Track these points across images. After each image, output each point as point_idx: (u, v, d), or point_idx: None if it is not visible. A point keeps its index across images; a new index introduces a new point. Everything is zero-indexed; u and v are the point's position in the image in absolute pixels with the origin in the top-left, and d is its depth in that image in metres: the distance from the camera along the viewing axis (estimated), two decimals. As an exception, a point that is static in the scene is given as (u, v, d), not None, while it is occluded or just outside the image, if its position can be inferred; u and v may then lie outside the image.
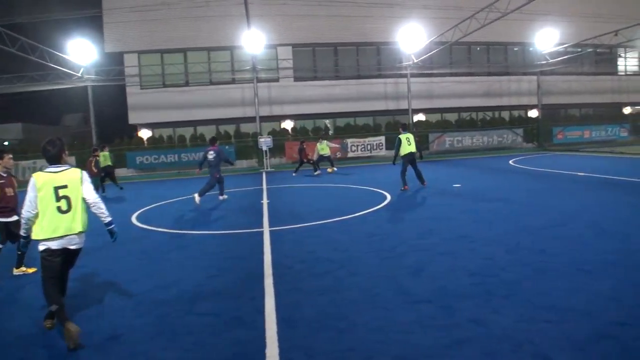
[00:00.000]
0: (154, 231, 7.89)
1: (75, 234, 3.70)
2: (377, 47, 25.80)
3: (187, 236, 7.37)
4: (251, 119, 23.39)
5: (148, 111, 23.28)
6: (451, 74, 26.67)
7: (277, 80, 24.55)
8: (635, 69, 31.50)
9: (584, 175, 12.77)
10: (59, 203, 3.63)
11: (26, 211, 3.61)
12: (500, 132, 26.33)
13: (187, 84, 23.91)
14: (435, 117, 27.06)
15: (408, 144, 11.47)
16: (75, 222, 3.69)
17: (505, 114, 28.49)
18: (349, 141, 23.25)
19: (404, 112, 25.42)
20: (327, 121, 25.71)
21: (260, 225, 7.78)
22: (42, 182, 3.60)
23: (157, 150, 22.26)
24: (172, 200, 12.09)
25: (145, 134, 23.74)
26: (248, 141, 23.22)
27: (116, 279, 5.19)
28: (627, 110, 31.64)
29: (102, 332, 3.69)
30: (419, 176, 11.85)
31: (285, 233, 7.11)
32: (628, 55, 31.44)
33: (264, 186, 14.24)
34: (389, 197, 10.27)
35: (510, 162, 18.54)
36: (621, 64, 31.69)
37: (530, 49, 27.01)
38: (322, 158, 17.53)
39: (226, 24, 22.53)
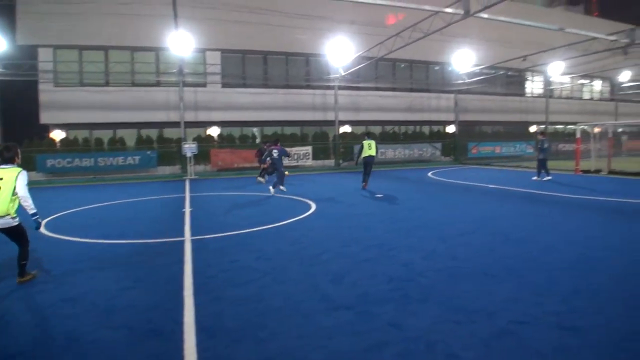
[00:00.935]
0: (64, 240, 7.36)
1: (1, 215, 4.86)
2: (307, 58, 26.13)
3: (101, 246, 6.95)
4: (175, 124, 22.61)
5: (62, 111, 21.61)
6: (376, 88, 27.66)
7: (204, 85, 24.00)
8: (540, 91, 34.58)
9: (493, 187, 13.80)
10: None
11: None
12: (420, 145, 27.70)
13: (107, 84, 22.59)
14: (360, 129, 27.81)
15: (369, 149, 14.07)
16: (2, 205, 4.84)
17: (426, 129, 30.01)
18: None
19: (331, 123, 25.91)
20: (254, 129, 25.50)
21: (182, 234, 7.54)
22: None
23: (71, 153, 20.76)
24: (86, 207, 11.34)
25: (58, 135, 22.06)
26: (171, 147, 22.40)
27: (19, 291, 4.79)
28: (532, 128, 34.65)
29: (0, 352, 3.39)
30: (365, 178, 14.25)
31: (207, 242, 6.96)
32: (534, 78, 34.52)
33: (187, 194, 13.82)
34: (314, 206, 10.39)
35: (429, 174, 19.55)
36: (528, 86, 34.72)
37: (450, 68, 28.71)
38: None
39: (153, 24, 21.68)
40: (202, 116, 23.87)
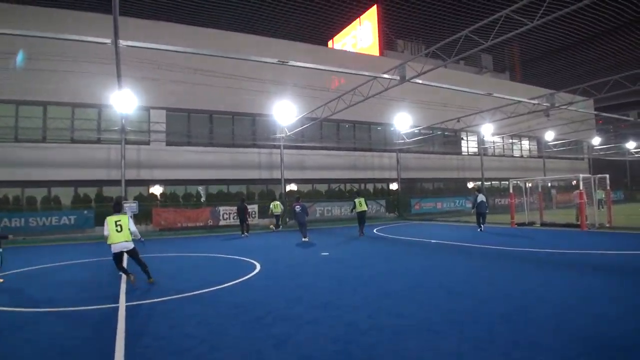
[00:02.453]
0: (-18, 310, 6.73)
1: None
2: (253, 117, 26.53)
3: (25, 315, 6.40)
4: (116, 182, 21.86)
5: (-9, 168, 20.44)
6: (321, 147, 28.34)
7: (147, 143, 23.63)
8: (475, 150, 36.73)
9: (435, 242, 14.18)
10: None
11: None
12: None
13: (44, 139, 21.71)
14: (306, 187, 28.11)
15: (360, 205, 17.55)
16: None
17: (370, 186, 30.78)
18: (221, 209, 22.90)
19: (277, 181, 26.03)
20: (199, 188, 25.10)
21: (116, 299, 7.11)
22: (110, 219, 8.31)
23: (-1, 212, 19.42)
24: (12, 271, 10.49)
25: (-16, 194, 20.67)
26: (111, 206, 21.50)
27: None
28: (470, 184, 36.44)
29: None
30: (361, 228, 17.73)
31: (144, 308, 6.59)
32: (469, 138, 36.74)
33: (125, 256, 13.13)
34: (258, 266, 10.19)
35: (375, 230, 19.84)
36: (464, 145, 36.84)
37: (391, 129, 30.09)
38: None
39: (95, 81, 21.40)
40: (145, 174, 23.31)
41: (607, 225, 17.25)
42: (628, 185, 49.41)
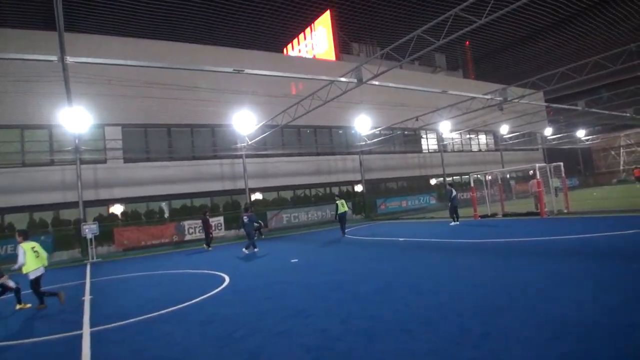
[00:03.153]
0: None
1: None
2: (212, 128, 26.15)
3: (-20, 352, 6.03)
4: (73, 204, 21.00)
5: (-64, 197, 19.28)
6: (284, 154, 28.26)
7: (104, 161, 22.84)
8: (435, 147, 37.52)
9: (403, 240, 14.35)
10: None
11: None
12: (332, 206, 28.19)
13: (-8, 165, 20.65)
14: (272, 195, 27.91)
15: (342, 206, 18.48)
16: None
17: (335, 189, 30.87)
18: (186, 223, 22.43)
19: (241, 191, 25.72)
20: (162, 204, 24.47)
21: (79, 326, 6.79)
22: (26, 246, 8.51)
23: (-53, 245, 18.33)
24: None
25: None
26: (69, 229, 20.68)
27: None
28: (432, 181, 37.17)
29: None
30: (342, 229, 18.69)
31: (110, 333, 6.31)
32: (428, 136, 37.50)
33: (87, 279, 12.65)
34: (227, 279, 10.00)
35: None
36: (424, 143, 37.57)
37: (352, 131, 30.34)
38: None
39: (44, 100, 20.55)
40: (104, 194, 22.53)
41: (565, 211, 17.94)
42: (581, 171, 51.77)
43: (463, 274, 7.95)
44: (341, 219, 18.48)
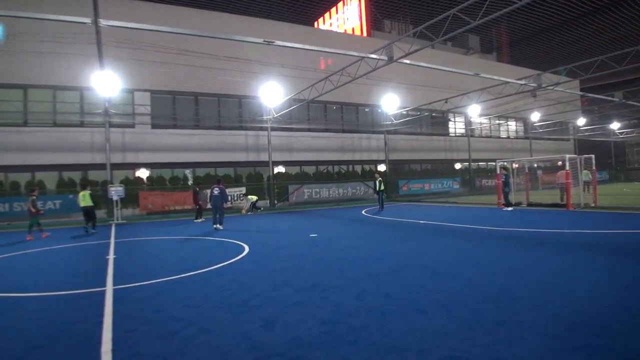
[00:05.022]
0: (-36, 296, 6.63)
1: None
2: (239, 99, 26.24)
3: (9, 300, 6.31)
4: (101, 166, 21.59)
5: (-27, 153, 19.98)
6: (309, 129, 28.23)
7: (132, 126, 23.27)
8: (462, 131, 36.87)
9: (423, 223, 14.28)
10: None
11: None
12: (353, 184, 28.31)
13: (25, 124, 21.23)
14: (294, 170, 28.05)
15: (380, 185, 20.63)
16: None
17: (358, 168, 30.80)
18: (208, 192, 22.71)
19: (265, 164, 25.91)
20: (186, 171, 24.89)
21: (103, 283, 7.04)
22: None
23: (-18, 198, 19.10)
24: (-6, 258, 10.36)
25: (-33, 179, 20.27)
26: (96, 190, 21.25)
27: None
28: (457, 166, 36.68)
29: None
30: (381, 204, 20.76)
31: (131, 291, 6.53)
32: (456, 119, 36.83)
33: (112, 240, 13.06)
34: (246, 248, 10.18)
35: (363, 212, 19.92)
36: (451, 126, 36.94)
37: (379, 110, 30.03)
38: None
39: (76, 62, 20.92)
40: (130, 158, 23.02)
41: (593, 205, 17.50)
42: (613, 165, 50.17)
43: (482, 260, 7.90)
44: (379, 195, 20.74)
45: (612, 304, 4.98)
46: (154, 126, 23.78)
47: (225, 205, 15.22)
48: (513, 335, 4.19)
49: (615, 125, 44.26)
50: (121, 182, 21.43)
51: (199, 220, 18.29)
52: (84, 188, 15.77)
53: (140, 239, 13.08)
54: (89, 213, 15.24)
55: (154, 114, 23.58)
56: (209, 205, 16.15)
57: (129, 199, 21.01)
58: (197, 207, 18.83)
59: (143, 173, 23.50)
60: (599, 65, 19.94)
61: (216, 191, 15.18)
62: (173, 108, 24.65)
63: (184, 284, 6.91)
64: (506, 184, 18.42)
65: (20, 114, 21.01)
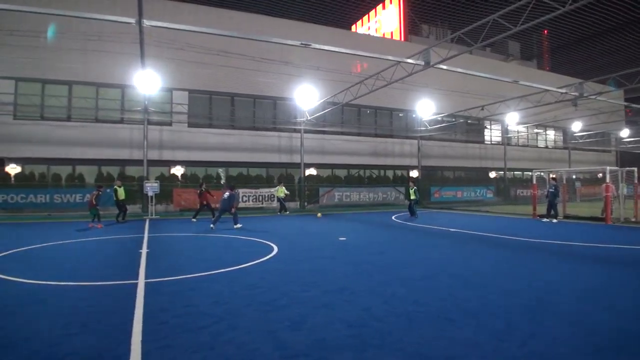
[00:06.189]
0: (8, 281, 6.92)
1: None
2: (274, 101, 26.50)
3: (48, 288, 6.56)
4: (138, 162, 22.23)
5: (18, 144, 20.83)
6: (342, 133, 28.23)
7: (169, 124, 23.85)
8: (498, 139, 36.07)
9: (454, 231, 14.02)
10: None
11: None
12: (384, 189, 28.10)
13: (69, 119, 22.08)
14: (326, 172, 28.10)
15: (413, 194, 19.89)
16: None
17: (390, 173, 30.57)
18: (241, 191, 23.06)
19: (297, 165, 26.06)
20: (220, 170, 25.32)
21: (136, 276, 7.23)
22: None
23: (25, 188, 19.94)
24: (36, 245, 10.79)
25: (12, 169, 21.21)
26: (133, 185, 21.89)
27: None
28: (492, 174, 35.87)
29: None
30: (412, 211, 19.66)
31: (163, 285, 6.68)
32: (493, 127, 36.04)
33: (146, 234, 13.40)
34: (275, 249, 10.25)
35: (393, 217, 19.74)
36: (487, 134, 36.18)
37: (413, 115, 29.75)
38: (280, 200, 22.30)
39: (119, 61, 21.62)
40: (166, 155, 23.60)
41: (633, 219, 16.80)
42: (657, 179, 47.90)
43: (514, 271, 7.69)
44: (410, 203, 20.02)
45: (654, 324, 4.76)
46: (190, 125, 24.31)
47: (232, 209, 15.37)
48: (545, 350, 4.06)
49: (661, 138, 42.30)
50: (156, 178, 22.00)
51: (195, 220, 18.07)
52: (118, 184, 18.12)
53: (172, 235, 13.37)
54: (120, 206, 17.54)
55: (191, 113, 24.11)
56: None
57: (163, 196, 21.53)
58: (204, 205, 18.51)
59: (178, 170, 24.05)
60: (646, 74, 19.13)
61: (226, 195, 15.55)
62: (209, 108, 25.14)
63: (214, 280, 7.01)
64: (555, 194, 17.81)
65: (64, 109, 21.85)
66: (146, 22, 13.76)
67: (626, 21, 33.56)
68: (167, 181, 22.63)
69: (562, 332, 4.51)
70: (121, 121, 22.95)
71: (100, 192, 16.31)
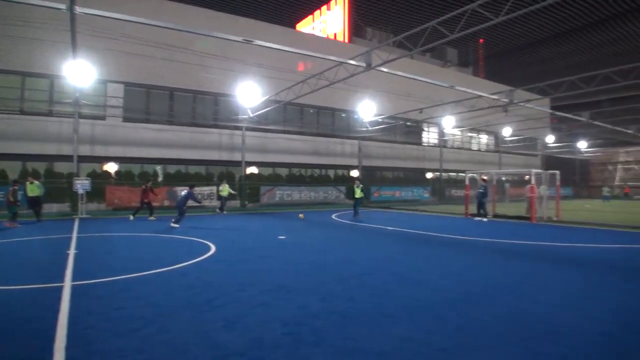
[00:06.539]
0: None
1: None
2: (215, 97, 25.94)
3: (-40, 292, 6.05)
4: (68, 158, 20.92)
5: None
6: (284, 131, 28.16)
7: (103, 118, 22.66)
8: (435, 141, 37.47)
9: (392, 229, 14.40)
10: None
11: None
12: (325, 188, 28.36)
13: (-10, 110, 20.40)
14: (267, 171, 27.90)
15: (360, 192, 19.55)
16: None
17: (331, 172, 30.89)
18: (179, 189, 22.37)
19: (238, 163, 25.69)
20: (157, 167, 24.42)
21: (61, 278, 6.80)
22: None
23: (-64, 186, 18.23)
24: (-53, 247, 9.90)
25: None
26: (61, 182, 20.60)
27: None
28: (429, 175, 37.24)
29: None
30: (356, 211, 19.47)
31: (91, 288, 6.34)
32: (430, 130, 37.40)
33: (75, 234, 12.66)
34: (213, 248, 10.04)
35: (333, 216, 19.95)
36: (425, 136, 37.50)
37: (355, 116, 30.21)
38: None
39: (49, 49, 20.26)
40: (99, 151, 22.42)
41: (555, 218, 18.03)
42: (577, 182, 51.90)
43: (447, 268, 8.00)
44: (355, 202, 19.70)
45: (573, 314, 5.12)
46: (125, 119, 23.23)
47: (185, 206, 15.38)
48: (471, 340, 4.27)
49: (581, 144, 45.80)
50: (88, 175, 20.84)
51: (132, 218, 17.62)
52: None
53: (104, 235, 12.74)
54: (33, 204, 16.70)
55: (127, 107, 23.04)
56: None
57: (95, 193, 20.45)
58: (146, 204, 18.07)
59: (111, 167, 22.93)
60: (570, 85, 20.58)
61: (183, 193, 15.68)
62: (147, 102, 24.16)
63: (147, 281, 6.76)
64: (484, 194, 18.83)
65: (-16, 99, 20.18)
66: (79, 9, 13.00)
67: (554, 34, 36.03)
68: (100, 178, 21.51)
69: (489, 324, 4.76)
70: (50, 114, 21.52)
71: (16, 188, 15.46)
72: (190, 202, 16.08)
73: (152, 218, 17.83)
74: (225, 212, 21.54)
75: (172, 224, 14.59)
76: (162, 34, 21.04)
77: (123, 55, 21.88)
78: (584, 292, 6.27)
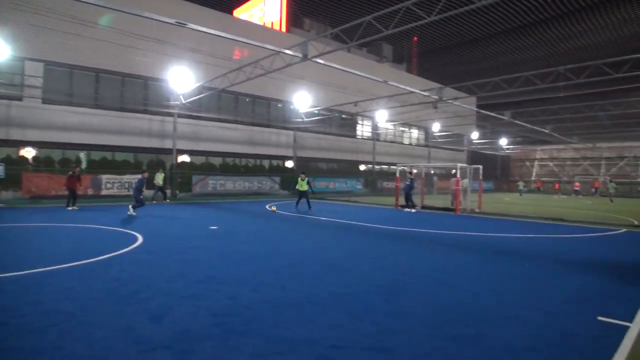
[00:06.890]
0: None
1: None
2: (145, 81, 24.82)
3: None
4: (-22, 141, 19.22)
5: None
6: (218, 119, 27.57)
7: (20, 98, 20.91)
8: (369, 134, 38.36)
9: (325, 220, 14.65)
10: None
11: None
12: (260, 178, 28.20)
13: None
14: (200, 160, 27.23)
15: (306, 184, 19.31)
16: None
17: (266, 163, 30.71)
18: (104, 177, 21.29)
19: (169, 151, 24.81)
20: (81, 153, 22.97)
21: (-31, 271, 6.30)
22: None
23: None
24: None
25: None
26: (-30, 167, 18.88)
27: None
28: (362, 167, 38.11)
29: None
30: (297, 202, 19.79)
31: (4, 282, 5.91)
32: (364, 123, 38.22)
33: None
34: (140, 239, 9.69)
35: (267, 206, 19.91)
36: (359, 129, 38.27)
37: (290, 107, 30.19)
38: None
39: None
40: (15, 134, 20.72)
41: (477, 210, 19.21)
42: (498, 177, 55.45)
43: (377, 256, 8.29)
44: (300, 194, 19.65)
45: (489, 298, 5.50)
46: (45, 101, 21.57)
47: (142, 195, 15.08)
48: (398, 325, 4.49)
49: (503, 141, 48.90)
50: (2, 160, 19.23)
51: (70, 209, 16.42)
52: None
53: (20, 225, 11.88)
54: None
55: (47, 88, 21.43)
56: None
57: (10, 180, 18.93)
58: (72, 191, 16.83)
59: (29, 152, 21.29)
60: (494, 85, 21.86)
61: (134, 181, 16.07)
62: (70, 83, 22.60)
63: (67, 274, 6.41)
64: (411, 187, 19.68)
65: None
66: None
67: (482, 35, 37.97)
68: (16, 164, 19.92)
69: (413, 309, 5.03)
70: (-44, 92, 19.60)
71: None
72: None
73: (73, 208, 16.66)
74: (168, 200, 21.13)
75: (131, 213, 14.42)
76: (89, 11, 19.79)
77: (44, 31, 20.30)
78: (498, 277, 6.77)
